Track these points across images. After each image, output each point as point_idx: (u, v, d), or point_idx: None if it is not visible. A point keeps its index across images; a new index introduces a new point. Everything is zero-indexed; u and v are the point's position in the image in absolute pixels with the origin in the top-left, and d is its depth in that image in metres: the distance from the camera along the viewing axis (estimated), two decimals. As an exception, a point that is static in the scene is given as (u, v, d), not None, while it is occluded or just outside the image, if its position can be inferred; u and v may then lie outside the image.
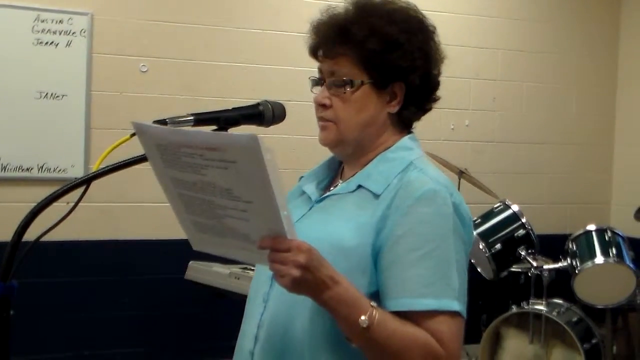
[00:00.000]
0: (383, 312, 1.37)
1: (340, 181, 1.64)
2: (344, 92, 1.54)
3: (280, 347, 1.48)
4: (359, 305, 1.34)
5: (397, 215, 1.45)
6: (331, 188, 1.65)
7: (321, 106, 1.57)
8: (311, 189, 1.65)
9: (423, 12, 1.64)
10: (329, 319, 1.39)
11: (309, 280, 1.28)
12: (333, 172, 1.70)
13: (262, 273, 1.58)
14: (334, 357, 1.45)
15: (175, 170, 1.32)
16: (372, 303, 1.36)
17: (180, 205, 1.39)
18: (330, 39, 1.55)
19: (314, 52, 1.61)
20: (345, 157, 1.65)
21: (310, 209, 1.60)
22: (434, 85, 1.62)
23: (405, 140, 1.61)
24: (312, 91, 1.63)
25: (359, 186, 1.54)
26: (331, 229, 1.48)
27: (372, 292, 1.44)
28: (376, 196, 1.50)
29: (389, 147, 1.59)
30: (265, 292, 1.54)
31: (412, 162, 1.55)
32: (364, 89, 1.54)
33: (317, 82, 1.61)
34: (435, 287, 1.41)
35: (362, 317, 1.33)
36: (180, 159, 1.29)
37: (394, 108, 1.58)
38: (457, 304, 1.42)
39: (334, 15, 1.58)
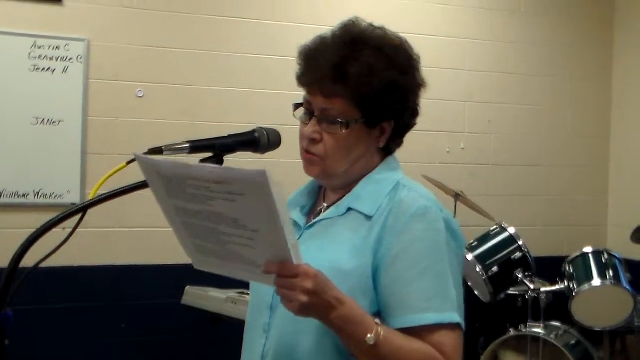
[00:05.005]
0: (388, 329, 1.39)
1: (325, 204, 1.64)
2: (337, 132, 1.52)
3: None
4: (364, 324, 1.37)
5: (393, 235, 1.46)
6: (317, 212, 1.65)
7: (310, 140, 1.55)
8: (296, 216, 1.64)
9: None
10: (335, 338, 1.40)
11: (316, 304, 1.30)
12: (314, 197, 1.70)
13: (259, 303, 1.58)
14: None
15: (179, 200, 1.32)
16: (377, 320, 1.38)
17: (182, 230, 1.38)
18: (326, 77, 1.50)
19: (304, 85, 1.57)
20: (330, 186, 1.64)
21: (301, 236, 1.59)
22: (417, 115, 1.63)
23: (389, 161, 1.62)
24: (294, 115, 1.61)
25: (349, 209, 1.55)
26: (328, 254, 1.48)
27: (374, 312, 1.45)
28: (368, 218, 1.51)
29: (374, 169, 1.60)
30: (265, 322, 1.54)
31: (399, 181, 1.56)
32: (356, 127, 1.52)
33: (305, 113, 1.58)
34: (435, 301, 1.43)
35: (369, 335, 1.35)
36: (185, 190, 1.28)
37: (382, 143, 1.59)
38: (457, 316, 1.45)
39: (327, 49, 1.53)
